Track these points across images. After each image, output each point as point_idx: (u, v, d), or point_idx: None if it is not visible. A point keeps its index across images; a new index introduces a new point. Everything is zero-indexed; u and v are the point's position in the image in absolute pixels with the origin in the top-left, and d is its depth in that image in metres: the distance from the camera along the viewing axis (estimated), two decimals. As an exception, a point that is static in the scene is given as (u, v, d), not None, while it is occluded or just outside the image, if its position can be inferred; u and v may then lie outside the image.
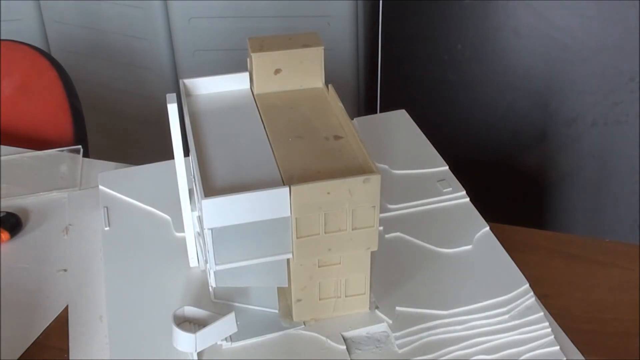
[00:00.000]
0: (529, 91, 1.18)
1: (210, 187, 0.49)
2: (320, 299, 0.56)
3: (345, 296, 0.56)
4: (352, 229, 0.52)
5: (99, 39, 1.65)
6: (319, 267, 0.54)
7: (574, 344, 0.56)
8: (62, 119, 1.10)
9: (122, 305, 0.59)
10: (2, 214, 0.72)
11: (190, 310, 0.54)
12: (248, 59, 0.60)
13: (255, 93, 0.59)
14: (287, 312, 0.57)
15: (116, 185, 0.73)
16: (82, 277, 0.65)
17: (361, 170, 0.51)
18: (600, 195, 1.22)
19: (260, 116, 0.57)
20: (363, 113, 1.58)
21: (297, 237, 0.51)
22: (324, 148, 0.53)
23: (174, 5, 1.53)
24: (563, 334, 0.57)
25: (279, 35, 0.60)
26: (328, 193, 0.49)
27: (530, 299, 0.58)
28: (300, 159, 0.52)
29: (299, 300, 0.55)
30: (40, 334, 0.60)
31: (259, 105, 0.58)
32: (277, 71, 0.59)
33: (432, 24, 1.21)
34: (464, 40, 1.18)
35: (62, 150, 0.83)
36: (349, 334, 0.56)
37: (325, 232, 0.51)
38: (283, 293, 0.58)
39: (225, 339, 0.54)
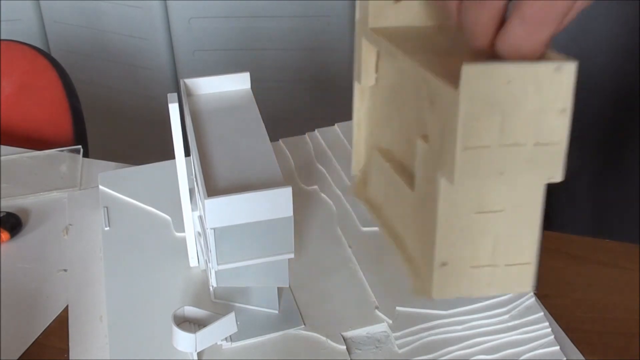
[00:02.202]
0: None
1: (213, 187, 0.49)
2: (471, 266, 0.39)
3: (505, 265, 0.39)
4: (534, 145, 0.35)
5: (99, 39, 1.65)
6: (475, 213, 0.37)
7: (574, 344, 0.56)
8: (62, 119, 1.10)
9: (122, 305, 0.59)
10: (2, 214, 0.72)
11: (190, 310, 0.54)
12: None
13: (370, 27, 0.45)
14: (421, 287, 0.41)
15: (116, 185, 0.73)
16: (82, 277, 0.65)
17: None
18: (600, 195, 1.22)
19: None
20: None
21: (464, 149, 0.35)
22: None
23: (173, 5, 1.53)
24: (563, 334, 0.57)
25: None
26: (508, 82, 0.34)
27: (530, 299, 0.58)
28: None
29: (443, 265, 0.39)
30: (40, 334, 0.60)
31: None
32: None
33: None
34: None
35: (62, 150, 0.83)
36: (349, 334, 0.56)
37: (499, 145, 0.35)
38: (415, 261, 0.43)
39: (225, 339, 0.54)
